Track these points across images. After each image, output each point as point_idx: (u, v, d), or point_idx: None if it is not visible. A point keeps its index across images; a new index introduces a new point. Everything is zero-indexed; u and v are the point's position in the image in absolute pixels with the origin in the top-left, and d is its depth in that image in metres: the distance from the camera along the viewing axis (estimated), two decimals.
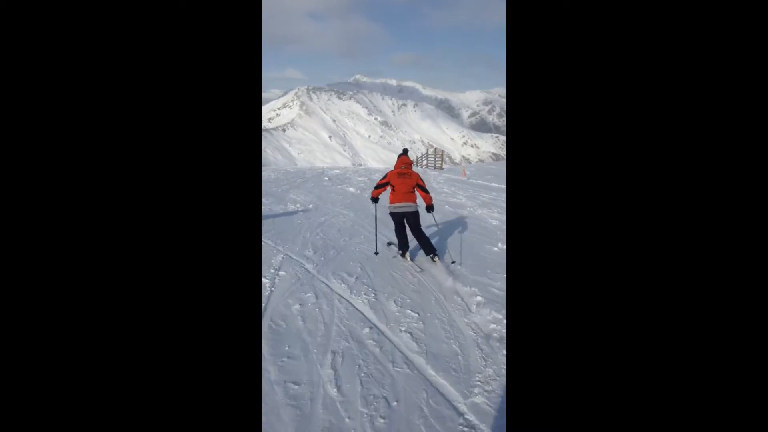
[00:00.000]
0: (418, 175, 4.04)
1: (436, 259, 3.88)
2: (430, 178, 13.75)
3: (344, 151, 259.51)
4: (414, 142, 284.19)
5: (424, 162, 21.35)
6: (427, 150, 21.81)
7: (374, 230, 4.75)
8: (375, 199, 4.17)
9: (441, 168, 18.44)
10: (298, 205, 7.27)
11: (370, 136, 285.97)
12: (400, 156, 4.14)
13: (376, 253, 4.28)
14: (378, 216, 4.80)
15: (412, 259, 4.03)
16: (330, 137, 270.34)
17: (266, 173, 13.47)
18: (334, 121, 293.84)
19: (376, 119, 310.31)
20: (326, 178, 12.27)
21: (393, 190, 3.98)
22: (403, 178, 3.96)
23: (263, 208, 6.94)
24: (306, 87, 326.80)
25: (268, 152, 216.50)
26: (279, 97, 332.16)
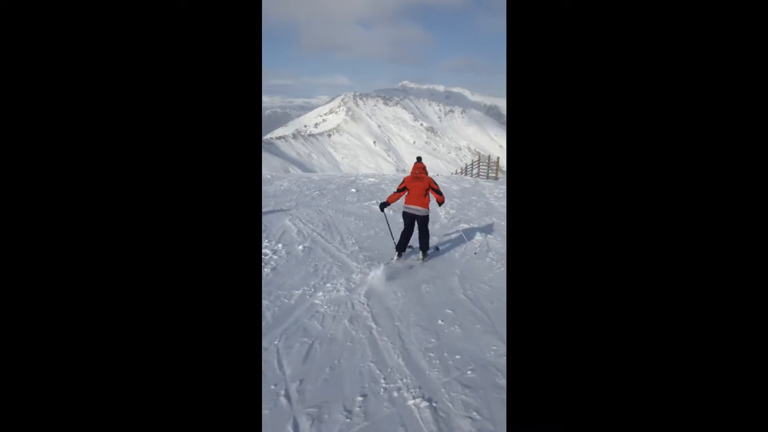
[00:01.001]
0: (431, 179, 4.44)
1: (423, 257, 4.41)
2: (485, 191, 10.69)
3: (388, 156, 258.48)
4: (460, 149, 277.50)
5: (475, 171, 18.14)
6: (479, 157, 18.54)
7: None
8: (384, 205, 4.58)
9: (496, 178, 15.19)
10: (281, 246, 4.60)
11: (415, 142, 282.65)
12: (415, 163, 4.63)
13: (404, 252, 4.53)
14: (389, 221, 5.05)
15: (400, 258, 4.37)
16: (374, 142, 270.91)
17: (279, 183, 10.97)
18: (380, 126, 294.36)
19: (421, 125, 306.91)
20: (354, 189, 9.61)
21: (408, 192, 4.46)
22: (416, 182, 4.42)
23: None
24: (353, 93, 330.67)
25: (313, 157, 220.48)
26: (326, 103, 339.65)
